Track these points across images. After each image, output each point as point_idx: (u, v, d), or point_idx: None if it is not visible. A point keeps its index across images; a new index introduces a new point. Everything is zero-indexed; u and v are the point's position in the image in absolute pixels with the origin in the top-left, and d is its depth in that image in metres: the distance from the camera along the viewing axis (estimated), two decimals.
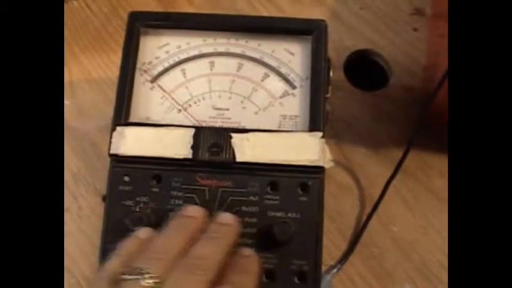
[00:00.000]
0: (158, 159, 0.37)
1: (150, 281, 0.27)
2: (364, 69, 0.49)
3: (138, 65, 0.40)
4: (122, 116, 0.38)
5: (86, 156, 0.47)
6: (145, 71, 0.40)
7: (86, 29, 0.52)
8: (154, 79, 0.40)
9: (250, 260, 0.33)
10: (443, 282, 0.42)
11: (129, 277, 0.28)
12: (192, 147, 0.37)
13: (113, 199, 0.37)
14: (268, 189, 0.36)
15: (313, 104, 0.38)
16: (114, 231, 0.36)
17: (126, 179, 0.37)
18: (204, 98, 0.39)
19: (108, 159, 0.38)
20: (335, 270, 0.42)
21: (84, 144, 0.47)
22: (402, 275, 0.42)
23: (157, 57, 0.40)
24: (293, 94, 0.39)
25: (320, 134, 0.37)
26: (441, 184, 0.45)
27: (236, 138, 0.37)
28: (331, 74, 0.39)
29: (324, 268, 0.40)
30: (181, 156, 0.36)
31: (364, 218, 0.43)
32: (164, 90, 0.39)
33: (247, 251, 0.34)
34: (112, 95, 0.39)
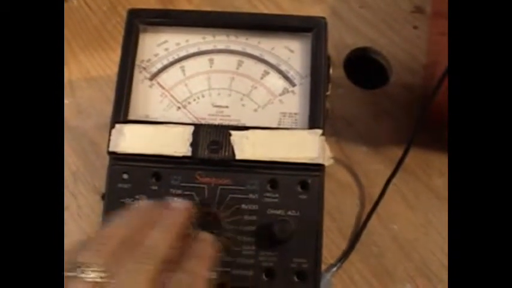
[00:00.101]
0: (157, 157, 0.37)
1: (94, 274, 0.26)
2: (364, 67, 0.49)
3: (137, 63, 0.40)
4: (121, 113, 0.38)
5: (85, 155, 0.47)
6: (144, 69, 0.40)
7: (85, 27, 0.52)
8: (154, 76, 0.40)
9: (205, 245, 0.32)
10: (443, 281, 0.42)
11: (70, 274, 0.26)
12: (191, 145, 0.36)
13: (112, 197, 0.36)
14: (268, 187, 0.36)
15: (313, 102, 0.38)
16: None
17: (125, 176, 0.37)
18: (203, 96, 0.39)
19: (107, 157, 0.37)
20: (335, 269, 0.42)
21: (84, 142, 0.47)
22: (402, 274, 0.42)
23: (156, 55, 0.40)
24: (293, 92, 0.39)
25: (320, 131, 0.37)
26: (441, 183, 0.45)
27: (235, 135, 0.37)
28: (331, 71, 0.39)
29: (323, 267, 0.40)
30: (181, 154, 0.36)
31: (364, 216, 0.43)
32: (163, 88, 0.39)
33: (204, 235, 0.32)
34: (111, 93, 0.39)
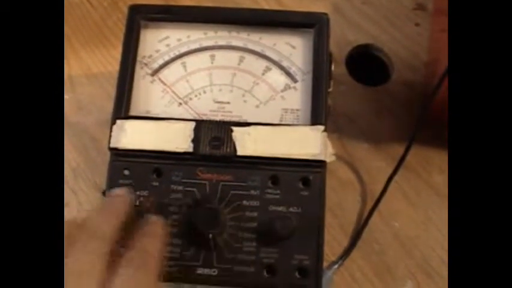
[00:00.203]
0: (158, 153, 0.36)
1: None
2: (366, 64, 0.49)
3: (139, 58, 0.39)
4: (122, 109, 0.37)
5: (86, 151, 0.46)
6: (145, 64, 0.40)
7: (85, 23, 0.52)
8: (155, 72, 0.39)
9: (155, 225, 0.33)
10: (444, 278, 0.42)
11: None
12: (193, 141, 0.36)
13: None
14: (269, 183, 0.36)
15: (314, 98, 0.38)
16: None
17: (126, 172, 0.37)
18: (204, 92, 0.39)
19: (108, 153, 0.37)
20: (336, 266, 0.42)
21: (84, 139, 0.47)
22: (404, 271, 0.42)
23: (157, 51, 0.40)
24: (294, 88, 0.39)
25: (322, 127, 0.37)
26: (441, 180, 0.45)
27: (237, 131, 0.36)
28: (332, 68, 0.39)
29: (325, 264, 0.40)
30: (182, 150, 0.36)
31: (366, 213, 0.43)
32: (165, 84, 0.39)
33: (154, 218, 0.33)
34: (112, 90, 0.39)
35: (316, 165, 0.36)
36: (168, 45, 0.40)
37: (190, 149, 0.36)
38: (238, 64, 0.39)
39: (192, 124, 0.37)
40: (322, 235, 0.35)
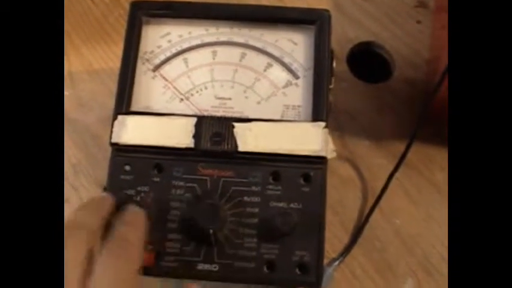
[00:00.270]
0: (159, 149, 0.36)
1: None
2: (367, 61, 0.48)
3: (140, 54, 0.39)
4: (124, 105, 0.37)
5: (86, 148, 0.46)
6: (147, 60, 0.40)
7: (87, 19, 0.52)
8: (156, 68, 0.39)
9: (135, 214, 0.33)
10: (444, 275, 0.42)
11: None
12: (194, 137, 0.36)
13: (113, 188, 0.36)
14: (271, 179, 0.36)
15: (316, 94, 0.37)
16: None
17: (127, 168, 0.37)
18: (206, 88, 0.39)
19: (109, 149, 0.37)
20: (337, 263, 0.42)
21: (85, 135, 0.47)
22: (404, 269, 0.42)
23: (159, 47, 0.40)
24: (296, 84, 0.39)
25: (323, 124, 0.37)
26: (442, 177, 0.45)
27: (238, 127, 0.36)
28: (334, 65, 0.39)
29: (325, 261, 0.40)
30: (183, 146, 0.36)
31: (367, 211, 0.43)
32: (166, 80, 0.39)
33: (133, 208, 0.34)
34: (113, 86, 0.39)
35: (317, 161, 0.36)
36: (169, 41, 0.40)
37: (192, 145, 0.36)
38: (240, 60, 0.39)
39: (193, 120, 0.37)
40: (323, 231, 0.35)
